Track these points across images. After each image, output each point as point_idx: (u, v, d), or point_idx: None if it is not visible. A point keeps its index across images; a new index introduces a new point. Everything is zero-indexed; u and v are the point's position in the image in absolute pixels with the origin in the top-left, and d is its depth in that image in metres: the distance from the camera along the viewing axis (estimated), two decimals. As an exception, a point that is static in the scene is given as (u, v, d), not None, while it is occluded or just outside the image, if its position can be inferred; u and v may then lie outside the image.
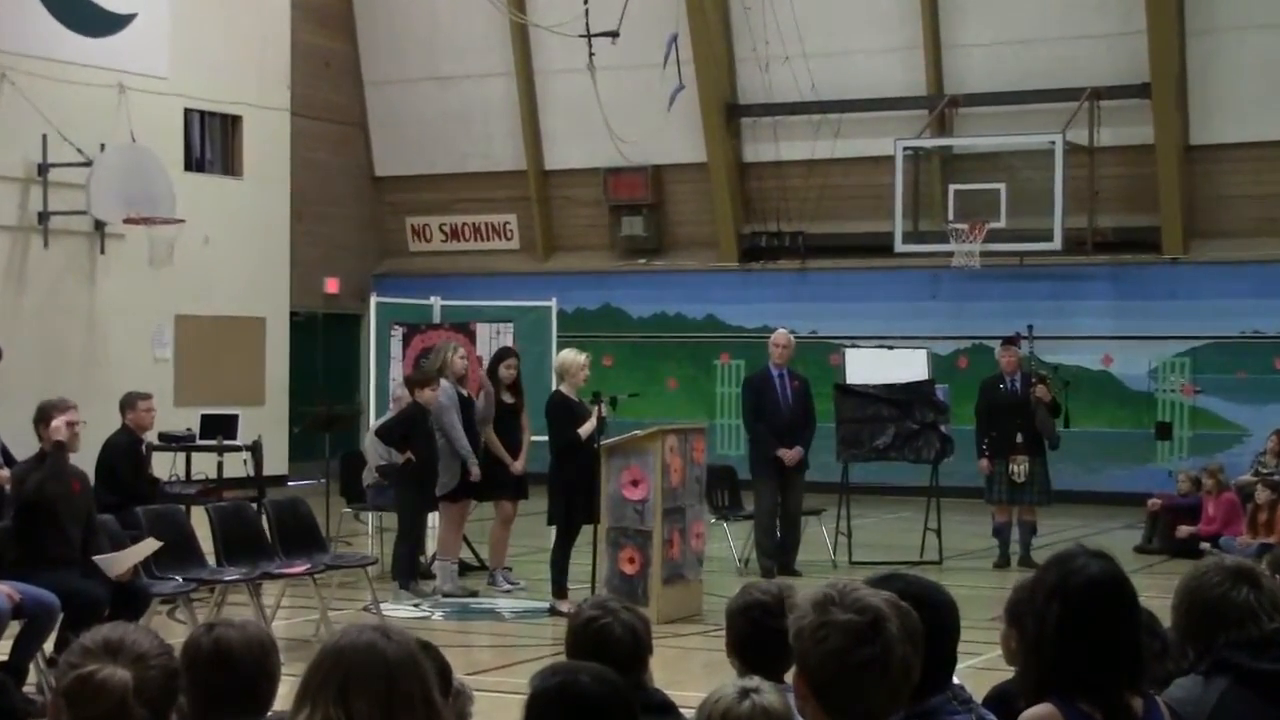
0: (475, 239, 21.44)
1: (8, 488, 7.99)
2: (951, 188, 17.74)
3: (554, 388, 10.60)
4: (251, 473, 12.10)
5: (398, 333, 12.79)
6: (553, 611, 9.96)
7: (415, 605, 10.34)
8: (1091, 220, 17.58)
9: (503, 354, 11.17)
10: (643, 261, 20.32)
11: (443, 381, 10.67)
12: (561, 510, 10.01)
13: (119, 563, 7.70)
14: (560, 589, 10.06)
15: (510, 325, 12.95)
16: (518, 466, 10.87)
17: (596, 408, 9.89)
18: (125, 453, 10.25)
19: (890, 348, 14.09)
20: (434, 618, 10.08)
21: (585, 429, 9.90)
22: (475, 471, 10.70)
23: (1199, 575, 3.31)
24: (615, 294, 20.35)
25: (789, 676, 2.50)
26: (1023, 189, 17.24)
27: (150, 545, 7.97)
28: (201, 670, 2.74)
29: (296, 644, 8.77)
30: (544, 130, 20.61)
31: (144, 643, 2.48)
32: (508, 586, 10.95)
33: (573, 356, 10.27)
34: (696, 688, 3.70)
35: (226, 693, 2.80)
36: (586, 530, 9.99)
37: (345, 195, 21.31)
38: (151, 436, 11.21)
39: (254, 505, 10.16)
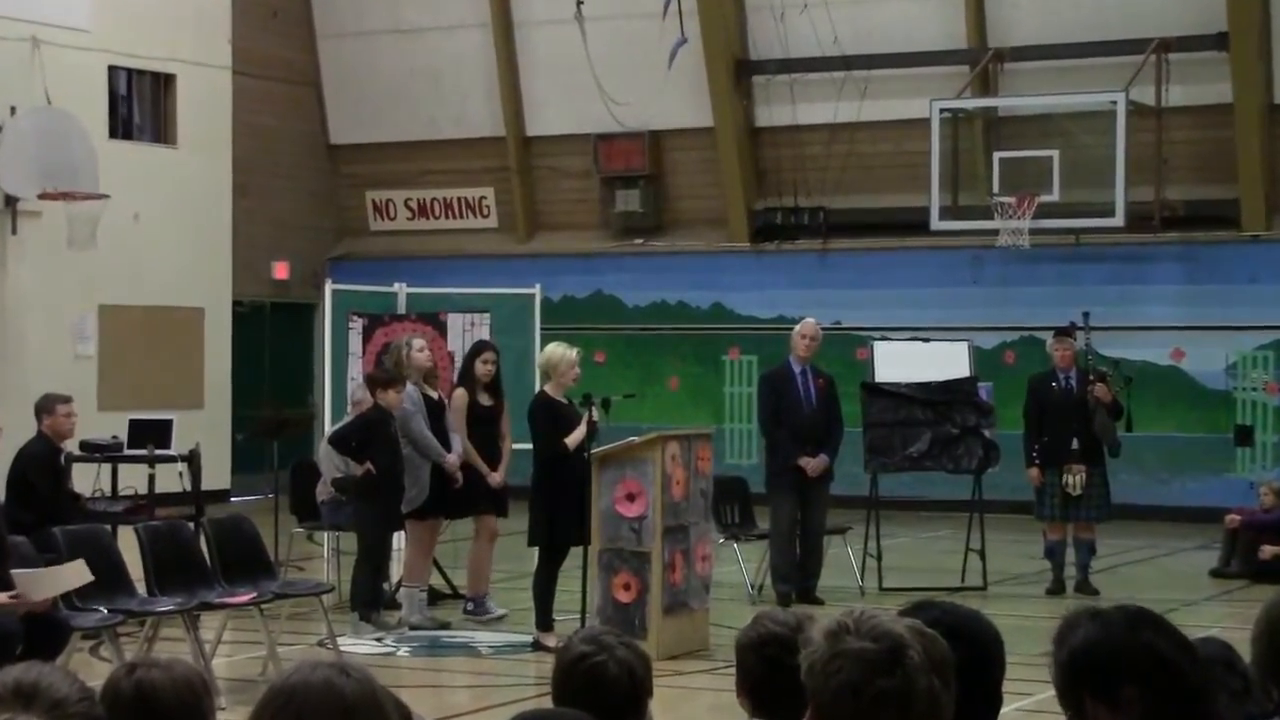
0: (446, 216, 21.44)
1: None
2: (996, 156, 17.74)
3: (538, 388, 10.60)
4: (188, 487, 12.09)
5: (357, 325, 12.78)
6: (537, 646, 9.96)
7: (378, 639, 10.34)
8: (1159, 192, 17.57)
9: (479, 348, 11.17)
10: (639, 242, 20.32)
11: (408, 384, 10.67)
12: (544, 529, 10.00)
13: (44, 583, 7.66)
14: (545, 621, 10.06)
15: (487, 316, 12.95)
16: (497, 478, 10.86)
17: (587, 412, 9.88)
18: (42, 464, 10.24)
19: (925, 340, 14.09)
20: (400, 653, 10.08)
21: (573, 438, 9.89)
22: (458, 475, 10.72)
23: (1285, 603, 3.29)
24: (608, 279, 20.35)
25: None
26: (1079, 157, 17.24)
27: (80, 572, 7.91)
28: (121, 717, 2.72)
29: (240, 685, 8.77)
30: (525, 91, 20.60)
31: (62, 686, 2.46)
32: (500, 613, 10.94)
33: (561, 352, 10.24)
34: (702, 734, 3.69)
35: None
36: (575, 553, 9.99)
37: (296, 166, 21.30)
38: (72, 445, 11.20)
39: (191, 524, 10.16)
